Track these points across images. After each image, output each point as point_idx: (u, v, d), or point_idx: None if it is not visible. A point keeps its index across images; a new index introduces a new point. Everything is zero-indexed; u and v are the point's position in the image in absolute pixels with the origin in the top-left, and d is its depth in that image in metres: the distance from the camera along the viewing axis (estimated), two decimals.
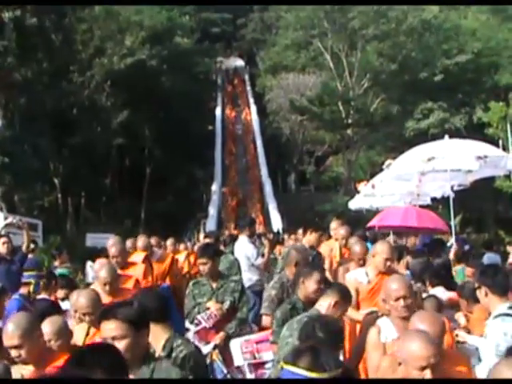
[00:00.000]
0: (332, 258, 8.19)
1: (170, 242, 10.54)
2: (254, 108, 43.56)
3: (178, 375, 3.02)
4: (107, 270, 5.48)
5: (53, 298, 7.08)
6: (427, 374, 2.95)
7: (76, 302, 4.81)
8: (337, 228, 8.67)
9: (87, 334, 4.57)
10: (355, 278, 5.89)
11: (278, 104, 38.85)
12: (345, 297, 4.68)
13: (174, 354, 3.56)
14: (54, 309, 6.42)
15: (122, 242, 6.88)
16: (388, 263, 5.70)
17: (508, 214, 27.52)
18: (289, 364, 2.36)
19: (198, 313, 5.78)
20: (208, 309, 5.71)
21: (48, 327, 3.84)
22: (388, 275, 5.66)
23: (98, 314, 4.05)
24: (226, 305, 5.71)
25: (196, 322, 5.63)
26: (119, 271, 6.24)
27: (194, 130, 34.18)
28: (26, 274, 6.93)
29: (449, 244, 8.99)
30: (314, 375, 2.28)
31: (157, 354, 3.58)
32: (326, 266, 7.72)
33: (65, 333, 3.99)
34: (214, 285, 5.87)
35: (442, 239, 9.54)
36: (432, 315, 3.72)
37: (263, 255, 8.99)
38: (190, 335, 5.61)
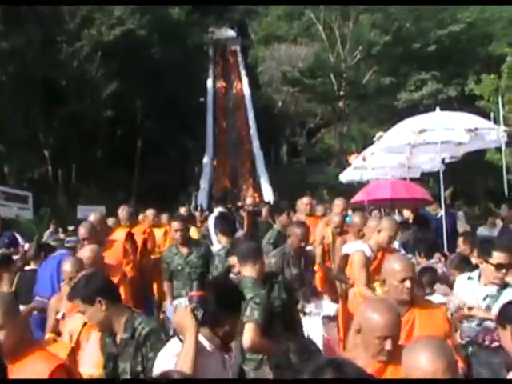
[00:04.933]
0: (324, 246, 7.66)
1: (150, 212, 9.41)
2: (245, 80, 43.23)
3: None
4: (72, 264, 4.97)
5: None
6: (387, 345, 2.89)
7: (63, 266, 4.94)
8: (331, 214, 8.20)
9: (84, 324, 4.32)
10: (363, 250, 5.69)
11: (270, 76, 38.55)
12: None
13: (136, 334, 3.51)
14: None
15: (96, 221, 6.58)
16: (392, 240, 5.64)
17: (498, 187, 27.54)
18: None
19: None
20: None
21: None
22: (389, 253, 5.65)
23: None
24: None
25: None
26: None
27: (185, 102, 33.93)
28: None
29: (438, 216, 9.05)
30: None
31: (119, 336, 3.58)
32: (318, 254, 7.39)
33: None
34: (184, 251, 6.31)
35: (424, 215, 9.60)
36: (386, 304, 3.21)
37: (242, 227, 8.96)
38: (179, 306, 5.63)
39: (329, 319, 6.20)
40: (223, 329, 3.14)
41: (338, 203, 8.02)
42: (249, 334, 4.19)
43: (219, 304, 3.13)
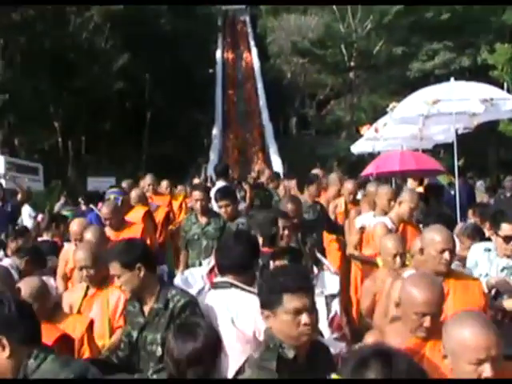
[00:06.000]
0: (337, 215, 7.65)
1: (164, 184, 9.55)
2: (254, 50, 42.81)
3: None
4: (84, 252, 4.44)
5: (55, 240, 7.14)
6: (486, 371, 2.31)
7: (74, 253, 4.60)
8: (342, 181, 8.18)
9: (85, 295, 4.35)
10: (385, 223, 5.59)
11: (279, 46, 38.17)
12: None
13: (171, 305, 3.48)
14: (55, 250, 6.48)
15: (113, 202, 6.67)
16: (413, 213, 5.54)
17: (510, 158, 27.40)
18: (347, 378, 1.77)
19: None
20: None
21: (24, 289, 3.62)
22: (410, 225, 5.60)
23: (97, 268, 4.14)
24: None
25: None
26: (113, 234, 6.03)
27: (194, 73, 33.70)
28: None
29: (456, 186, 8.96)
30: None
31: (149, 306, 3.55)
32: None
33: (42, 295, 3.71)
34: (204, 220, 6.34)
35: (440, 184, 9.52)
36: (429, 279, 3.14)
37: (244, 200, 8.89)
38: (190, 277, 5.61)
39: (332, 297, 6.08)
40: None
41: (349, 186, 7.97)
42: None
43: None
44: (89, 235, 5.13)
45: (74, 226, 5.61)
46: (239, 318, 3.34)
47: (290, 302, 2.54)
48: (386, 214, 6.16)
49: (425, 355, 2.90)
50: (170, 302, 3.49)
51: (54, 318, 3.73)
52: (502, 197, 10.52)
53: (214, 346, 3.10)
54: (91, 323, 3.95)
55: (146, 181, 8.74)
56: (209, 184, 16.69)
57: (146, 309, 3.57)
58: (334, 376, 1.84)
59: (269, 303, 2.60)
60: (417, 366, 1.82)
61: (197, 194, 6.58)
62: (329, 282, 5.59)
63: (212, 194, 7.03)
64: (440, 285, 3.10)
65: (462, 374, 2.33)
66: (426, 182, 10.34)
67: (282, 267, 3.61)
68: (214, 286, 3.62)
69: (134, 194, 7.53)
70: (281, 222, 5.04)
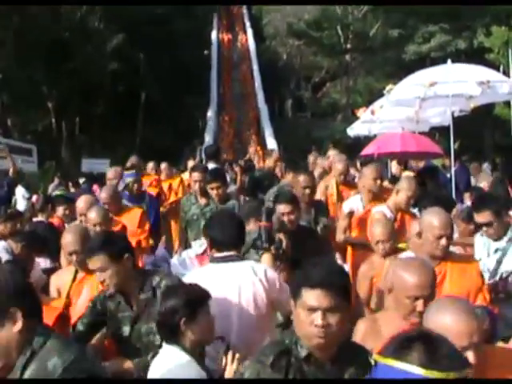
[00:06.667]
0: (328, 196, 7.38)
1: (164, 166, 9.97)
2: (250, 32, 42.51)
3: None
4: (73, 236, 4.23)
5: (51, 221, 7.10)
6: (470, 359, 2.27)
7: (63, 237, 4.32)
8: (333, 161, 7.94)
9: (74, 279, 4.17)
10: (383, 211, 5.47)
11: (275, 28, 37.96)
12: None
13: (158, 292, 3.37)
14: (51, 231, 6.44)
15: (112, 186, 6.66)
16: (411, 201, 5.41)
17: (506, 141, 27.39)
18: (389, 358, 1.67)
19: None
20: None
21: None
22: (408, 215, 5.54)
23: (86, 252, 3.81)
24: None
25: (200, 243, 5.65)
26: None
27: (189, 55, 33.44)
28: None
29: (452, 170, 8.94)
30: (431, 374, 1.60)
31: (135, 299, 3.42)
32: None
33: None
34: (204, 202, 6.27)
35: (436, 166, 9.50)
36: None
37: (235, 182, 8.86)
38: (187, 259, 5.61)
39: None
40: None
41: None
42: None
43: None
44: (93, 215, 5.03)
45: (81, 203, 5.66)
46: (247, 287, 3.48)
47: (307, 296, 2.33)
48: (372, 194, 6.09)
49: None
50: (156, 289, 3.40)
51: None
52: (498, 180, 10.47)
53: (197, 297, 3.03)
54: (66, 307, 3.81)
55: (131, 162, 8.70)
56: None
57: (133, 301, 3.45)
58: (374, 357, 1.72)
59: (293, 294, 2.43)
60: (459, 352, 1.76)
61: (196, 175, 6.63)
62: None
63: None
64: (431, 267, 3.03)
65: None
66: (409, 165, 10.33)
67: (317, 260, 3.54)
68: (216, 260, 3.67)
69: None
70: (283, 208, 4.98)
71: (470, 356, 2.18)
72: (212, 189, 6.26)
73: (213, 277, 3.52)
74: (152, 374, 2.89)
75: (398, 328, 2.74)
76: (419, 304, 2.81)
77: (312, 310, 2.33)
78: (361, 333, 2.98)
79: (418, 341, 1.67)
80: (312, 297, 2.32)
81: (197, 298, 2.89)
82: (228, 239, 3.63)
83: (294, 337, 2.42)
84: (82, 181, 13.97)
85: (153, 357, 3.30)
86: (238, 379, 1.75)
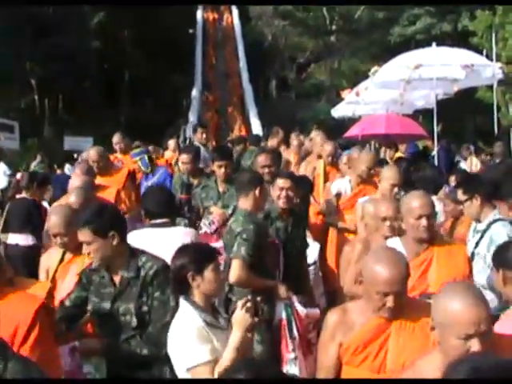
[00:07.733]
0: (315, 176, 7.39)
1: (151, 148, 10.07)
2: (235, 12, 42.19)
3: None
4: (57, 218, 4.08)
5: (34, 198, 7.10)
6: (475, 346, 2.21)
7: (47, 218, 4.28)
8: (321, 143, 7.91)
9: (61, 261, 4.09)
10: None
11: (260, 8, 37.68)
12: None
13: (142, 273, 3.34)
14: (34, 207, 6.45)
15: (100, 148, 7.03)
16: (395, 189, 5.21)
17: (487, 125, 27.60)
18: None
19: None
20: (211, 213, 5.74)
21: None
22: None
23: (71, 235, 3.81)
24: (230, 209, 5.63)
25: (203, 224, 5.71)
26: (98, 178, 6.21)
27: (174, 33, 33.14)
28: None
29: (433, 153, 9.06)
30: None
31: (120, 275, 3.39)
32: None
33: None
34: (221, 189, 5.99)
35: (425, 148, 9.60)
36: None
37: None
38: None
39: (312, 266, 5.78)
40: None
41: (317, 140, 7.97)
42: (235, 271, 4.29)
43: None
44: (73, 198, 4.82)
45: (92, 153, 6.62)
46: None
47: None
48: (361, 178, 6.20)
49: (390, 335, 2.77)
50: (141, 269, 3.35)
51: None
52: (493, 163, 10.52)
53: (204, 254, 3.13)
54: (50, 290, 3.64)
55: (114, 139, 8.67)
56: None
57: (117, 278, 3.40)
58: None
59: None
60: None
61: (184, 157, 6.69)
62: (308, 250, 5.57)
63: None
64: (405, 261, 2.85)
65: (449, 347, 2.23)
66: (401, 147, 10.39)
67: None
68: (151, 226, 4.45)
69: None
70: (281, 183, 4.96)
71: (476, 344, 2.17)
72: (220, 167, 6.04)
73: (148, 238, 4.16)
74: (172, 325, 3.02)
75: (370, 320, 2.80)
76: (389, 300, 2.70)
77: None
78: (331, 324, 2.92)
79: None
80: None
81: (203, 256, 3.05)
82: (158, 209, 4.43)
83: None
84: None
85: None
86: (238, 379, 1.78)
